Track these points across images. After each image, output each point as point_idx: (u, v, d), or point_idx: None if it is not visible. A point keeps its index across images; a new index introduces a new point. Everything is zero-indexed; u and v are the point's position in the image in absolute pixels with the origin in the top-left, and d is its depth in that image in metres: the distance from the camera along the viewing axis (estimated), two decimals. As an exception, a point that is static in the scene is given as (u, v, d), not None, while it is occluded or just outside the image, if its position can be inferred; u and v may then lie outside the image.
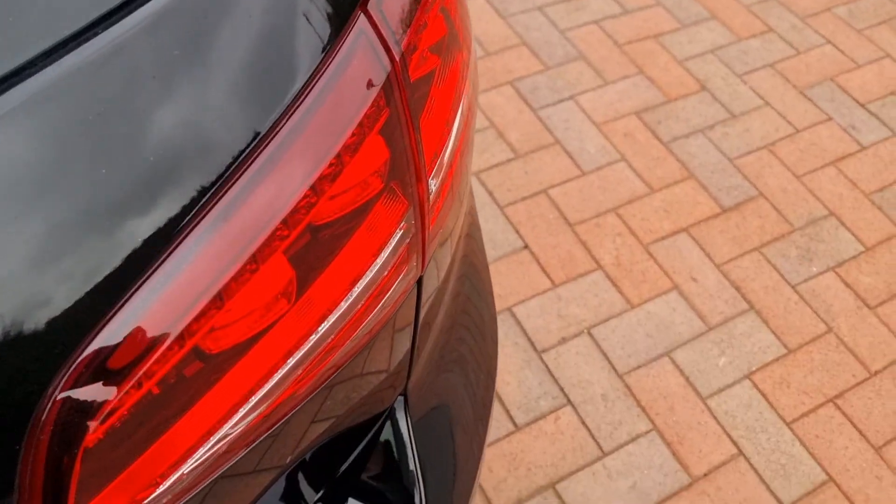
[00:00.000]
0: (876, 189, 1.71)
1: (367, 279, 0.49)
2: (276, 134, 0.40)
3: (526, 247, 1.54)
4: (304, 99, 0.41)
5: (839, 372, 1.43)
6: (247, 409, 0.43)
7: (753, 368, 1.42)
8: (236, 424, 0.43)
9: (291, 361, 0.45)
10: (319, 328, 0.46)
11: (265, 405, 0.45)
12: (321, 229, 0.44)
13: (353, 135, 0.44)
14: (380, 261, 0.49)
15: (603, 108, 1.79)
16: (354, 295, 0.48)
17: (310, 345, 0.46)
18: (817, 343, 1.47)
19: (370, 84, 0.45)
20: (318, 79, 0.42)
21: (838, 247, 1.61)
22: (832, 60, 1.96)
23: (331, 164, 0.43)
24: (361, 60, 0.44)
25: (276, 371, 0.44)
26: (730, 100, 1.84)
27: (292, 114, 0.41)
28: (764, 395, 1.39)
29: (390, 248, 0.50)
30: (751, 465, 1.31)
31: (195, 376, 0.39)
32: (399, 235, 0.51)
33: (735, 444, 1.33)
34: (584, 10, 2.01)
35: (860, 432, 1.36)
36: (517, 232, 1.56)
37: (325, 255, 0.45)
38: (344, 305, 0.48)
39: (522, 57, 1.88)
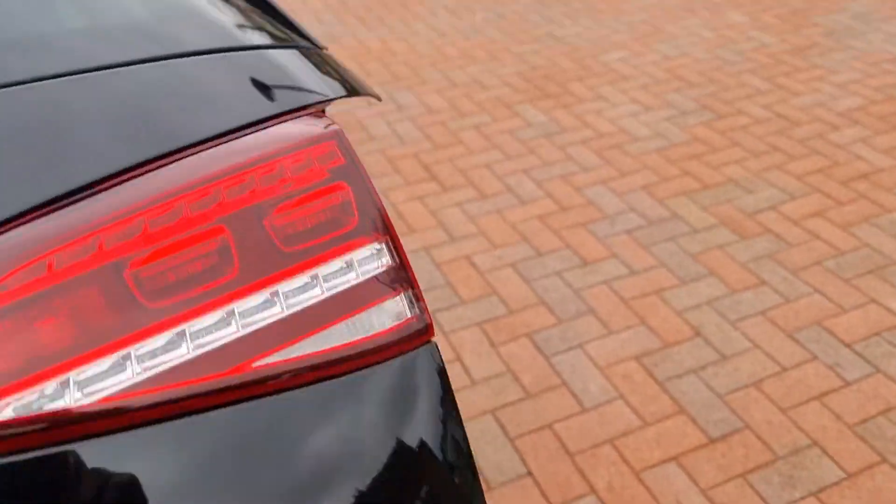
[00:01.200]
0: (859, 421, 1.87)
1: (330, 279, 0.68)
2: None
3: (529, 473, 1.79)
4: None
5: (819, 592, 1.53)
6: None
7: (734, 587, 1.55)
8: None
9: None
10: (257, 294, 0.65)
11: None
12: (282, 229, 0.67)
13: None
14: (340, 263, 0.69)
15: (606, 354, 2.10)
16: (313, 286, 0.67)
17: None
18: (798, 564, 1.58)
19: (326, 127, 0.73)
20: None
21: (821, 474, 1.76)
22: (820, 307, 2.22)
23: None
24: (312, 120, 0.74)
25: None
26: (721, 344, 2.11)
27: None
28: None
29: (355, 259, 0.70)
30: None
31: None
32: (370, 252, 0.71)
33: None
34: (597, 273, 2.40)
35: None
36: (523, 461, 1.82)
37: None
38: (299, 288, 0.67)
39: (540, 314, 2.25)
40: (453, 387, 2.02)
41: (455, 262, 2.49)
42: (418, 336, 0.73)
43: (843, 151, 2.94)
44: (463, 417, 1.94)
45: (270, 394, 0.65)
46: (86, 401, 0.59)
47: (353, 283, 0.70)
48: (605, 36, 4.18)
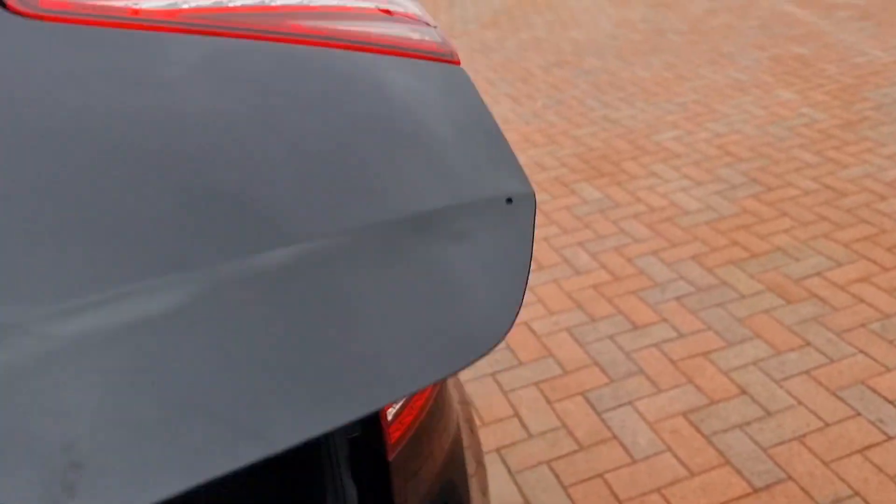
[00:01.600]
0: (900, 473, 1.95)
1: None
2: None
3: (581, 518, 1.94)
4: None
5: None
6: None
7: None
8: None
9: None
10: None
11: None
12: None
13: None
14: None
15: (655, 411, 2.24)
16: None
17: None
18: None
19: None
20: None
21: (861, 522, 1.84)
22: (864, 367, 2.32)
23: None
24: None
25: None
26: (766, 401, 2.23)
27: None
28: None
29: None
30: None
31: None
32: None
33: None
34: (647, 336, 2.56)
35: None
36: (575, 507, 1.97)
37: None
38: None
39: (593, 374, 2.42)
40: (511, 440, 2.20)
41: (515, 328, 2.69)
42: (444, 58, 0.79)
43: (889, 219, 3.05)
44: (520, 467, 2.11)
45: (305, 44, 0.73)
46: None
47: (385, 5, 0.82)
48: (658, 117, 4.41)
